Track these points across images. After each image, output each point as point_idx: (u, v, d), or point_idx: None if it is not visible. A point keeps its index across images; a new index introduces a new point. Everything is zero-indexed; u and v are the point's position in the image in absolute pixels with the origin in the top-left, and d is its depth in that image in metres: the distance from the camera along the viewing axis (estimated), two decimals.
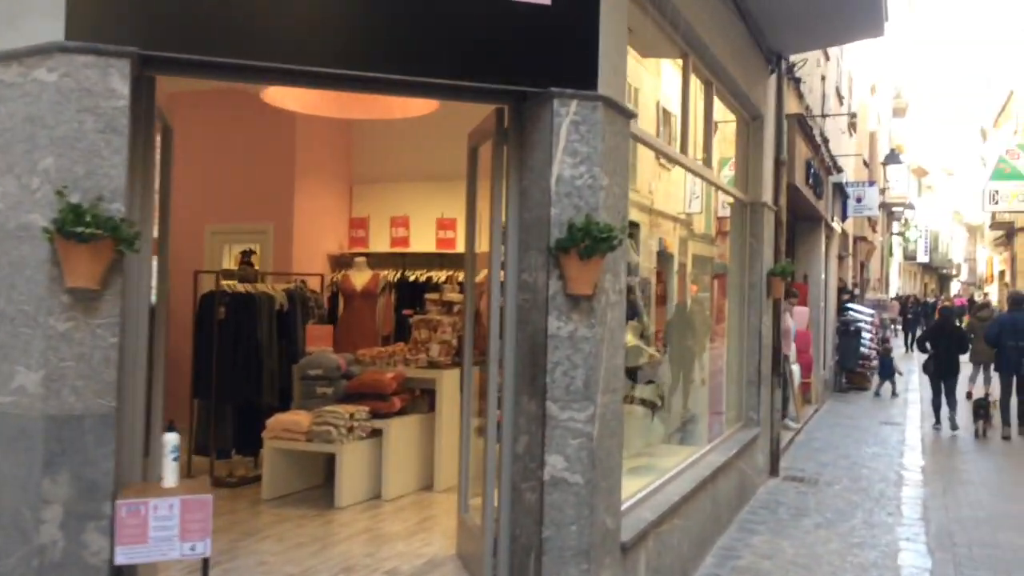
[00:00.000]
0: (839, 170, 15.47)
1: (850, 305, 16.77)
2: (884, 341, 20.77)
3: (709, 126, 6.80)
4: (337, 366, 6.39)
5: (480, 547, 4.21)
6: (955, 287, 67.67)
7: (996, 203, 25.47)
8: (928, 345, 12.27)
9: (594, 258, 3.70)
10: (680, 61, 6.06)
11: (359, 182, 9.26)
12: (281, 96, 6.51)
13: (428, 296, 7.28)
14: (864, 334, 16.37)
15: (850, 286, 19.86)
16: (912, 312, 20.29)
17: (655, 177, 8.40)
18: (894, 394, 15.42)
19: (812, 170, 10.67)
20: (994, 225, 34.41)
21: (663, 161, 7.81)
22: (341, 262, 8.63)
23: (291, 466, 6.18)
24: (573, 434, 3.83)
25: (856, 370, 16.28)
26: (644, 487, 5.25)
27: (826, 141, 12.79)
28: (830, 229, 14.56)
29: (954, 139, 65.90)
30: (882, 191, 21.17)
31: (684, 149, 6.04)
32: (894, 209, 33.43)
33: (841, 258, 19.40)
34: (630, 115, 4.21)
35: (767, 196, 8.20)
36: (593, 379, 3.85)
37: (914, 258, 52.08)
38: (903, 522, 6.96)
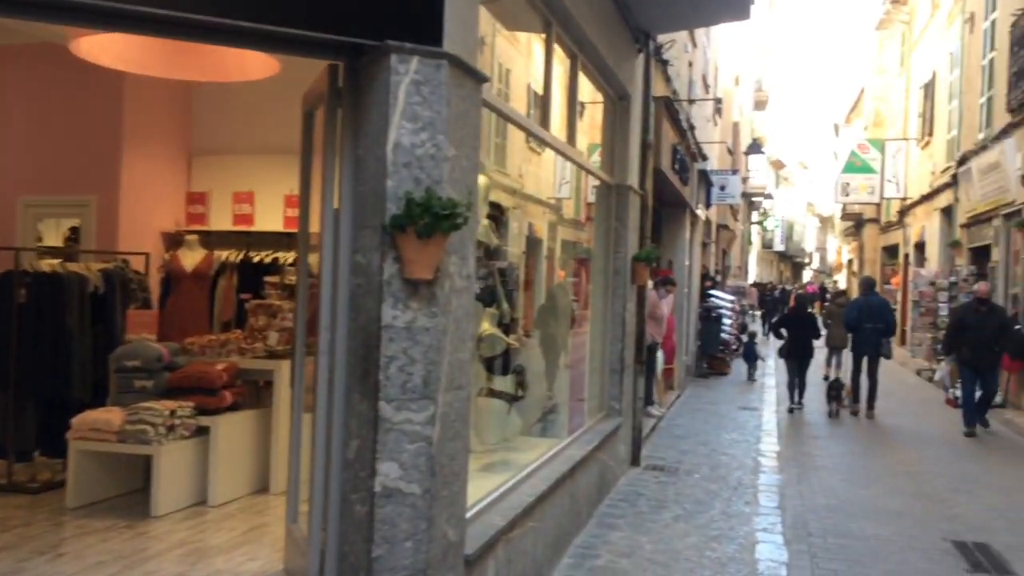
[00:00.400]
0: (704, 157, 15.61)
1: (712, 292, 17.04)
2: (744, 327, 21.37)
3: (574, 102, 6.45)
4: (158, 356, 5.69)
5: (307, 563, 3.70)
6: (807, 275, 71.27)
7: (847, 195, 26.62)
8: (784, 331, 12.81)
9: (435, 238, 3.24)
10: (545, 36, 5.67)
11: (199, 153, 8.46)
12: (96, 49, 5.70)
13: (268, 279, 6.63)
14: (725, 320, 16.67)
15: (712, 273, 20.26)
16: (770, 299, 20.95)
17: (525, 161, 8.02)
18: (752, 379, 15.84)
19: (679, 155, 10.58)
20: (844, 216, 36.16)
21: (533, 144, 7.45)
22: (176, 240, 7.84)
23: (102, 470, 5.45)
24: (410, 438, 3.37)
25: (717, 355, 16.57)
26: (497, 487, 4.86)
27: (692, 128, 12.80)
28: (695, 216, 14.66)
29: (809, 134, 69.17)
30: (744, 180, 21.67)
31: (547, 125, 5.66)
32: (754, 199, 34.62)
33: (704, 245, 19.73)
34: (481, 78, 3.76)
35: (633, 179, 7.97)
36: (434, 375, 3.40)
37: (771, 247, 54.40)
38: (760, 511, 6.88)
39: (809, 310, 13.83)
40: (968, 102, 16.33)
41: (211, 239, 7.96)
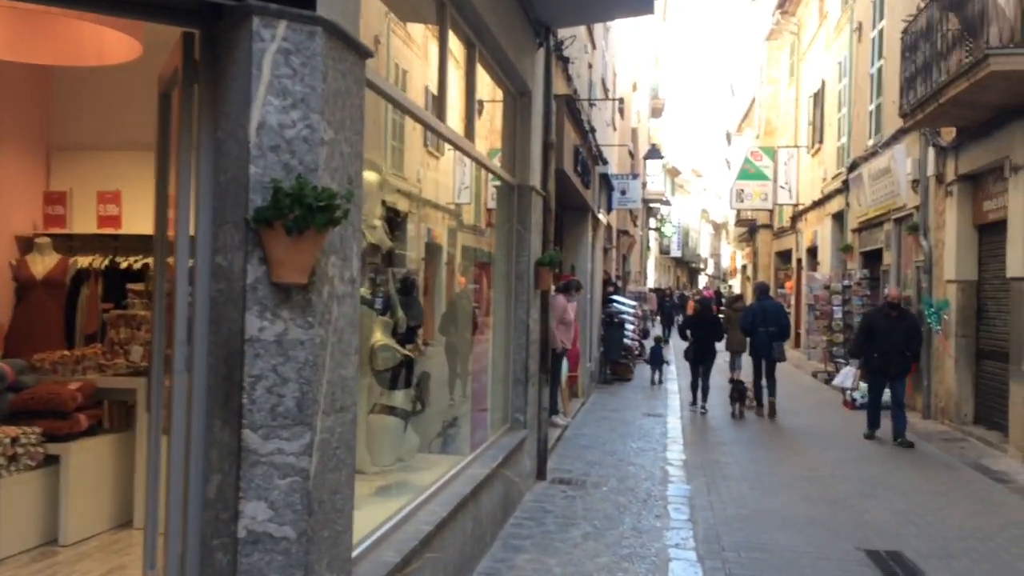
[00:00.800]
0: (604, 161, 15.45)
1: (614, 297, 16.91)
2: (646, 333, 21.40)
3: (472, 95, 6.02)
4: (1, 375, 4.95)
5: None
6: (703, 280, 73.07)
7: (742, 201, 27.15)
8: (688, 333, 13.08)
9: (308, 235, 2.74)
10: (439, 20, 5.22)
11: (59, 149, 7.62)
12: None
13: (131, 287, 5.94)
14: (628, 325, 16.55)
15: (614, 278, 20.19)
16: (669, 304, 21.06)
17: (424, 165, 7.55)
18: (657, 382, 15.83)
19: (580, 157, 10.30)
20: (739, 222, 37.02)
21: (432, 148, 6.98)
22: (30, 245, 7.01)
23: None
24: (281, 472, 2.85)
25: (620, 361, 16.43)
26: (392, 516, 4.37)
27: (593, 130, 12.57)
28: (596, 220, 14.46)
29: (702, 142, 70.97)
30: (643, 185, 21.76)
31: (442, 118, 5.21)
32: (652, 205, 35.02)
33: (606, 250, 19.63)
34: (365, 52, 3.28)
35: (535, 180, 7.60)
36: (310, 397, 2.89)
37: (669, 252, 55.47)
38: (671, 525, 6.59)
39: (712, 313, 14.08)
40: (857, 110, 16.73)
41: (73, 243, 7.17)
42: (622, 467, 8.65)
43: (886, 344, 10.19)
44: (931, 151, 11.77)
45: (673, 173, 54.98)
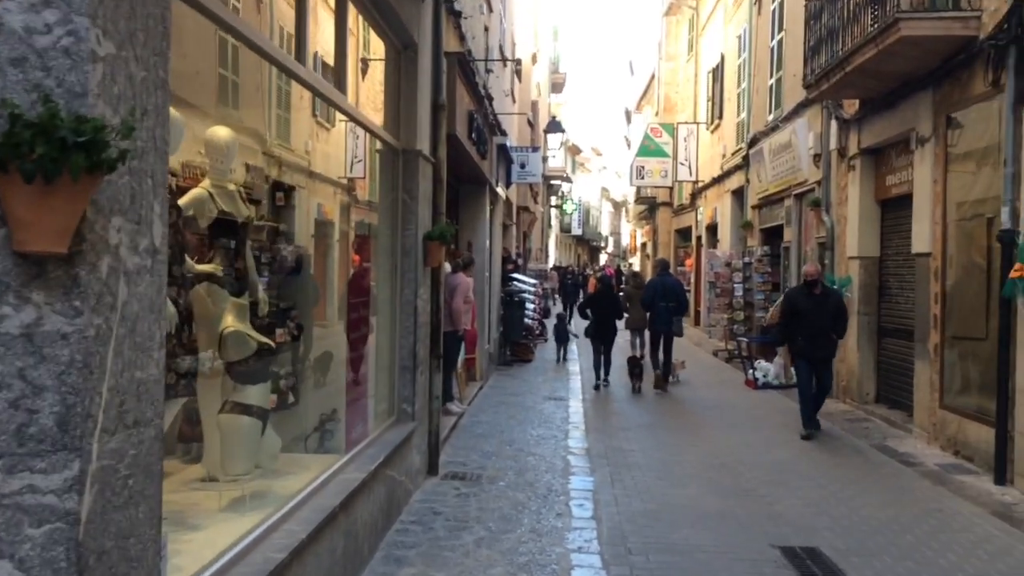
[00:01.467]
0: (503, 132, 14.74)
1: (514, 275, 16.29)
2: (547, 311, 20.91)
3: (343, 39, 5.20)
4: None
5: None
6: (603, 259, 73.59)
7: (642, 178, 27.00)
8: (589, 311, 13.06)
9: (62, 184, 1.91)
10: None
11: None
12: None
13: None
14: (528, 304, 15.97)
15: (514, 256, 19.59)
16: (571, 283, 20.57)
17: (313, 136, 6.66)
18: (562, 359, 15.67)
19: (475, 124, 9.57)
20: (638, 200, 37.05)
21: (321, 119, 6.11)
22: None
23: None
24: (34, 517, 2.04)
25: (520, 342, 15.85)
26: (239, 540, 3.57)
27: (490, 98, 11.84)
28: (495, 194, 13.77)
29: (602, 120, 71.17)
30: (544, 159, 21.14)
31: (302, 59, 4.38)
32: (552, 182, 34.60)
33: (506, 227, 18.98)
34: None
35: (423, 145, 6.83)
36: (80, 411, 2.08)
37: (570, 231, 55.41)
38: (574, 525, 5.98)
39: (613, 291, 14.17)
40: (757, 84, 16.53)
41: None
42: (521, 458, 8.03)
43: (811, 326, 9.20)
44: (833, 124, 11.54)
45: (574, 151, 54.79)
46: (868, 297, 10.79)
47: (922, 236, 8.94)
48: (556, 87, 32.30)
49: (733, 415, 10.71)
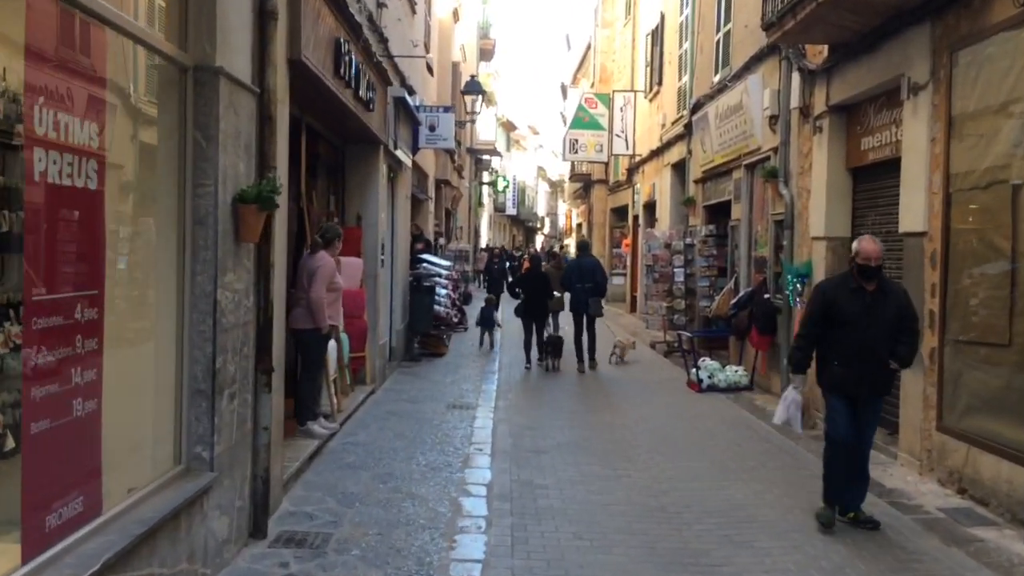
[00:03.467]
0: (409, 89, 12.53)
1: (424, 256, 14.12)
2: (467, 297, 18.81)
3: None
4: None
5: None
6: (539, 240, 71.81)
7: (576, 151, 25.06)
8: (519, 291, 13.08)
9: None
10: None
11: None
12: None
13: None
14: (440, 290, 13.83)
15: (430, 234, 17.42)
16: (498, 265, 18.37)
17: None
18: (488, 346, 14.66)
19: (348, 59, 7.35)
20: (573, 177, 35.15)
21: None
22: None
23: None
24: None
25: (431, 333, 13.72)
26: None
27: (383, 38, 9.61)
28: (396, 160, 11.56)
29: (538, 97, 69.15)
30: (461, 123, 18.87)
31: None
32: (481, 156, 32.42)
33: (418, 200, 16.79)
34: None
35: (233, 62, 4.64)
36: None
37: (504, 210, 53.28)
38: None
39: (543, 271, 13.85)
40: (702, 41, 14.60)
41: None
42: (395, 503, 5.93)
43: (859, 342, 5.51)
44: (795, 78, 9.62)
45: (508, 127, 52.67)
46: None
47: (913, 211, 7.07)
48: (485, 54, 30.05)
49: (675, 429, 8.78)
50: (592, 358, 12.56)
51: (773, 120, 10.44)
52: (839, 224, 8.90)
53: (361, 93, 8.04)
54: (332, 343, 7.95)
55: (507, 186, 46.53)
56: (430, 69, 15.94)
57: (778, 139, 10.21)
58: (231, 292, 4.65)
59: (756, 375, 10.90)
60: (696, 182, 14.87)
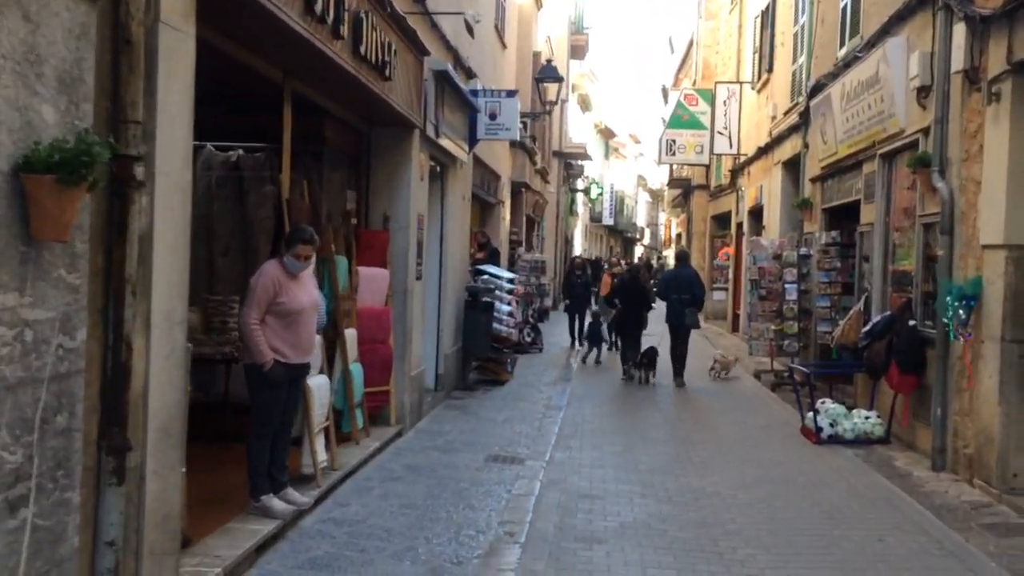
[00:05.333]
0: (467, 71, 10.58)
1: (484, 267, 12.10)
2: (541, 314, 16.74)
3: None
4: None
5: None
6: (639, 251, 69.14)
7: (673, 153, 22.61)
8: (617, 301, 13.04)
9: None
10: None
11: None
12: None
13: None
14: (501, 306, 11.78)
15: (501, 243, 15.40)
16: (580, 280, 16.02)
17: None
18: (597, 362, 14.38)
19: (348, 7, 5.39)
20: (671, 182, 32.66)
21: None
22: None
23: None
24: None
25: (490, 357, 11.69)
26: None
27: None
28: (441, 151, 9.57)
29: (640, 106, 66.65)
30: (534, 115, 16.68)
31: None
32: (572, 162, 30.27)
33: (489, 205, 14.84)
34: None
35: None
36: None
37: (600, 220, 50.91)
38: None
39: (642, 282, 13.45)
40: (824, 11, 12.10)
41: None
42: None
43: None
44: (959, 31, 7.15)
45: (607, 134, 50.41)
46: (1019, 314, 6.42)
47: None
48: (577, 51, 27.90)
49: (786, 504, 6.41)
50: (680, 374, 12.10)
51: (923, 92, 7.96)
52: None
53: (364, 51, 6.06)
54: (318, 382, 5.98)
55: (601, 193, 44.12)
56: (503, 44, 13.92)
57: (931, 116, 7.72)
58: (13, 326, 2.70)
59: (894, 424, 8.40)
60: (813, 180, 12.35)
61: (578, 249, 41.36)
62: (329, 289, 7.10)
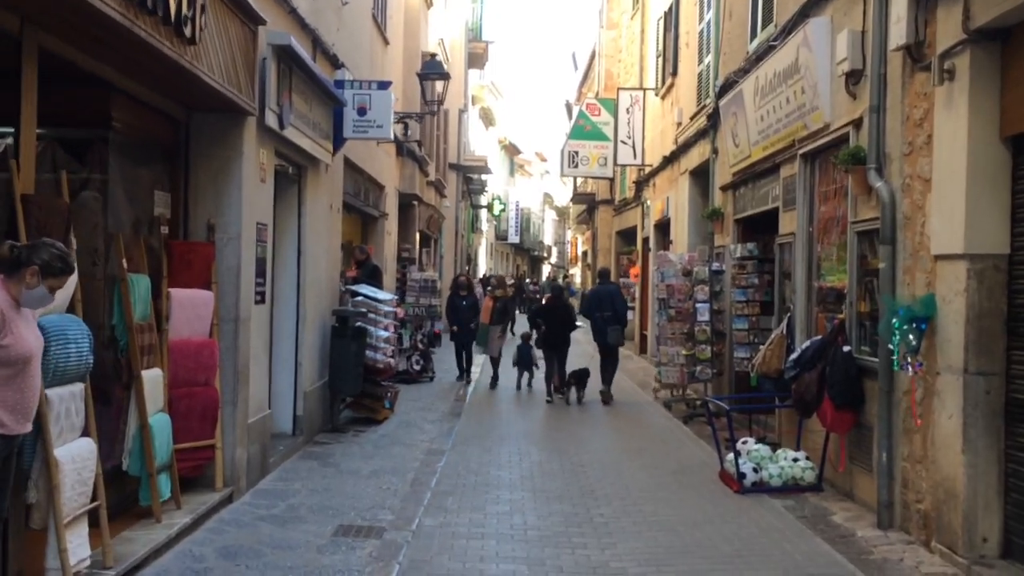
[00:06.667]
0: (333, 59, 9.04)
1: (357, 287, 10.46)
2: (431, 339, 15.15)
3: None
4: None
5: None
6: (546, 269, 68.29)
7: (576, 165, 21.47)
8: (540, 321, 12.66)
9: None
10: None
11: None
12: None
13: None
14: (378, 331, 10.16)
15: (386, 260, 13.79)
16: (467, 300, 14.23)
17: None
18: (529, 386, 13.30)
19: None
20: (576, 198, 31.70)
21: None
22: None
23: None
24: None
25: (365, 392, 10.04)
26: None
27: None
28: (293, 149, 7.95)
29: (546, 125, 66.08)
30: (417, 116, 15.04)
31: None
32: (473, 176, 28.88)
33: (371, 218, 13.24)
34: None
35: None
36: None
37: (506, 238, 49.74)
38: None
39: (566, 302, 13.52)
40: (731, 4, 11.01)
41: None
42: None
43: None
44: (899, 1, 5.98)
45: (511, 151, 49.41)
46: (984, 340, 5.21)
47: None
48: (475, 59, 26.55)
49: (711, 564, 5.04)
50: (607, 389, 12.07)
51: (853, 78, 6.80)
52: (986, 233, 5.21)
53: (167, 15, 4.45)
54: (73, 451, 4.29)
55: (503, 209, 42.95)
56: (384, 39, 12.36)
57: (863, 105, 6.55)
58: None
59: (827, 468, 7.16)
60: (724, 189, 11.21)
61: (483, 268, 39.91)
62: (120, 318, 5.44)
